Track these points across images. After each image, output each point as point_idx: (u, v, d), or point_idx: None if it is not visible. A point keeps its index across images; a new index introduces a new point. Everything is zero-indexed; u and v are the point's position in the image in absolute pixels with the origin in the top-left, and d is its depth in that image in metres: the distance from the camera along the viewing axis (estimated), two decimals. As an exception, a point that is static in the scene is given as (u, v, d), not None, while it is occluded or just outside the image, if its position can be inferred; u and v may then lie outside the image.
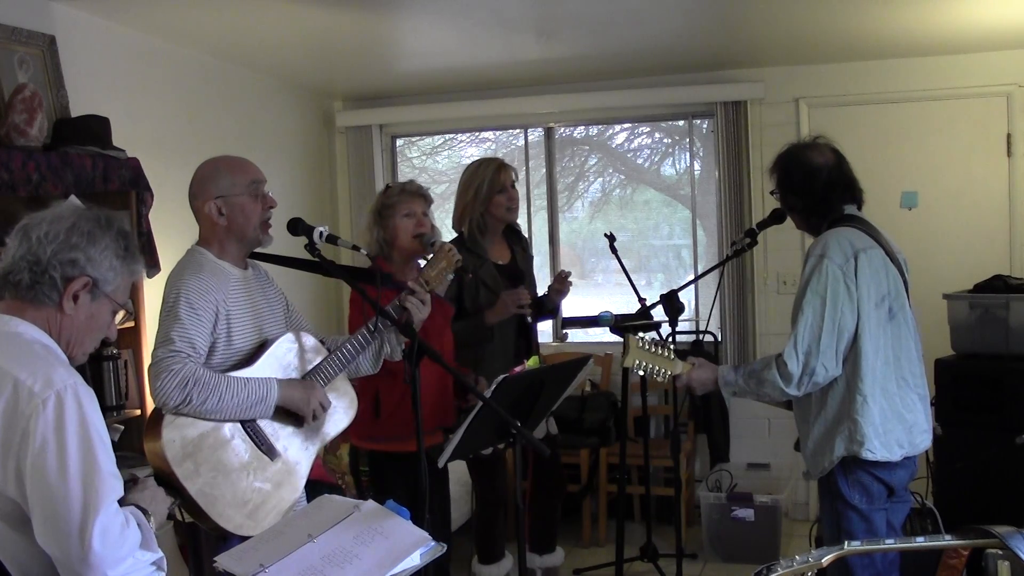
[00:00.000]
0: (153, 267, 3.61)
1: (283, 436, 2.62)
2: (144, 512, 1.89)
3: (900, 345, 2.83)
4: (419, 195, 3.37)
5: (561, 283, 3.92)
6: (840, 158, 2.94)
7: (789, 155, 2.98)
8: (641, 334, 2.84)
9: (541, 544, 4.01)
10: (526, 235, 5.51)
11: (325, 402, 2.65)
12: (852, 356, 2.76)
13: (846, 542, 2.09)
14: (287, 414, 2.61)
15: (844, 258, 2.76)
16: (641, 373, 2.91)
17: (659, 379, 2.92)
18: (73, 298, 1.83)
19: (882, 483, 2.80)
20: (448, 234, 3.76)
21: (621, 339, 3.93)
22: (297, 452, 2.64)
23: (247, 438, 2.53)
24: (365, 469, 3.43)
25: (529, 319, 3.84)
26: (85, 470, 1.68)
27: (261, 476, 2.53)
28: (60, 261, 1.81)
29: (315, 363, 2.71)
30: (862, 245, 2.80)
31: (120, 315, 1.96)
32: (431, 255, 2.97)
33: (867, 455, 2.73)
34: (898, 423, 2.78)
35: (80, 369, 1.86)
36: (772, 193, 3.03)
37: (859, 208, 2.96)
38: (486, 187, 3.74)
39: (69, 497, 1.66)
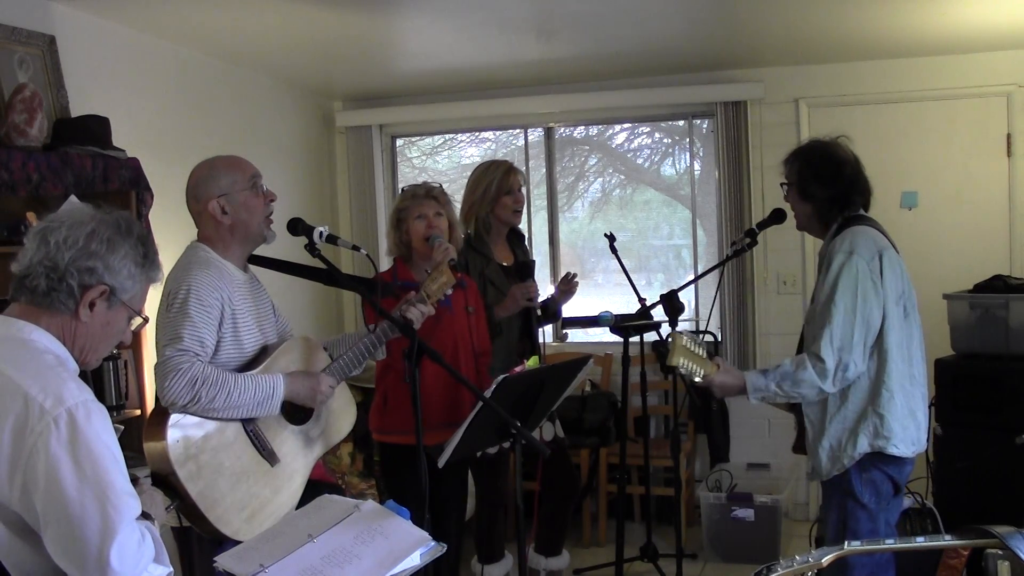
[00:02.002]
0: (153, 267, 3.62)
1: (284, 441, 2.61)
2: (148, 517, 1.88)
3: (912, 344, 2.88)
4: (428, 197, 3.42)
5: (568, 284, 3.93)
6: (858, 160, 2.98)
7: (814, 147, 2.99)
8: (683, 332, 2.79)
9: (548, 547, 4.01)
10: (526, 236, 5.52)
11: (329, 390, 2.65)
12: (878, 352, 2.80)
13: (846, 542, 2.09)
14: (287, 417, 2.61)
15: (870, 255, 2.79)
16: (682, 372, 2.83)
17: (697, 379, 2.84)
18: (90, 306, 1.80)
19: (891, 482, 2.83)
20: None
21: (621, 339, 3.98)
22: (297, 458, 2.64)
23: (249, 443, 2.52)
24: (379, 459, 3.47)
25: (539, 311, 3.86)
26: (101, 491, 1.66)
27: (261, 481, 2.52)
28: (78, 269, 1.77)
29: (319, 370, 2.71)
30: (883, 244, 2.85)
31: (137, 322, 1.93)
32: (431, 270, 2.98)
33: (892, 450, 2.78)
34: (911, 420, 2.84)
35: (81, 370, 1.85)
36: (784, 184, 3.02)
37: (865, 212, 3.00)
38: (495, 187, 3.78)
39: (86, 519, 1.64)
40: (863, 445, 2.79)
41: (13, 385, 1.68)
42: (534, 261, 4.06)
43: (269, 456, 2.56)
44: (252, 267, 2.83)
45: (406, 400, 3.19)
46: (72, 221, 1.81)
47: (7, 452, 1.66)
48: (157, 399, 2.48)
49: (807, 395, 2.80)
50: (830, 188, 2.91)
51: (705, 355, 2.86)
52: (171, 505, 2.32)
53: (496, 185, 3.78)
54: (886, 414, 2.78)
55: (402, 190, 3.55)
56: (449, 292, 3.01)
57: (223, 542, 2.39)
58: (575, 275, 3.97)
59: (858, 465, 2.80)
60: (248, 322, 2.60)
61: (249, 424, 2.53)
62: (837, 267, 2.78)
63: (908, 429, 2.81)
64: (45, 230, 1.81)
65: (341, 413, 2.79)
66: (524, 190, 3.89)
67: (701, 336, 3.24)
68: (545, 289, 4.18)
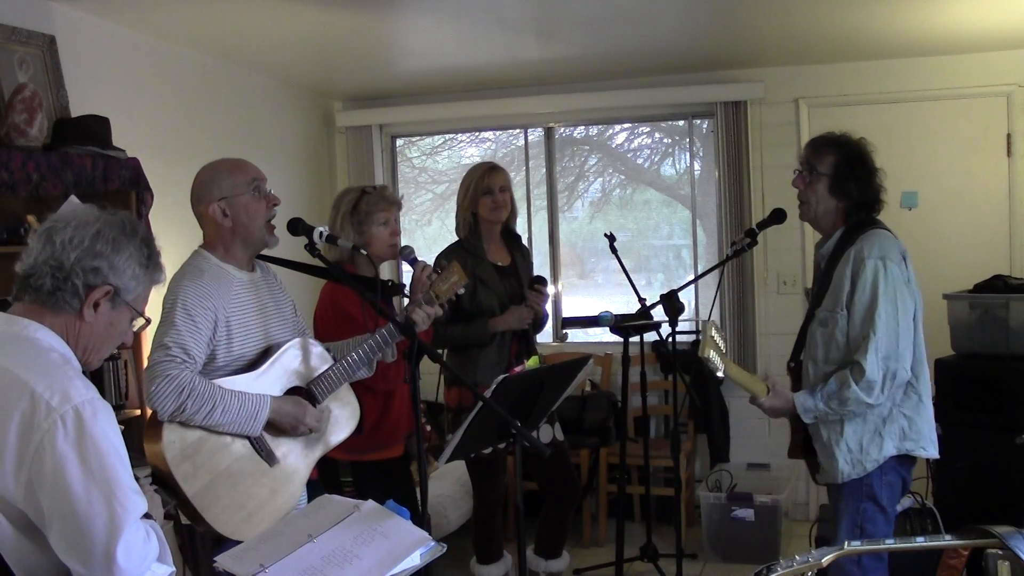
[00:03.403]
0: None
1: (283, 442, 2.61)
2: (149, 517, 1.88)
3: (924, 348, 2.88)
4: (395, 203, 3.39)
5: (536, 293, 3.83)
6: None
7: (853, 144, 2.93)
8: (712, 323, 2.77)
9: (548, 549, 4.01)
10: (526, 236, 5.52)
11: (313, 424, 2.63)
12: (914, 355, 2.81)
13: (846, 542, 2.09)
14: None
15: (900, 260, 2.79)
16: (710, 365, 2.75)
17: (718, 374, 2.77)
18: (94, 306, 1.80)
19: (903, 482, 2.85)
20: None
21: (621, 339, 3.97)
22: (296, 459, 2.63)
23: (247, 443, 2.52)
24: (348, 479, 3.43)
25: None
26: (107, 488, 1.67)
27: (259, 481, 2.52)
28: (83, 268, 1.78)
29: (320, 371, 2.70)
30: (904, 249, 2.85)
31: (139, 322, 1.93)
32: (442, 269, 2.95)
33: (920, 452, 2.81)
34: (933, 422, 2.88)
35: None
36: (810, 171, 2.90)
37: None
38: (472, 189, 3.80)
39: (92, 516, 1.65)
40: (889, 448, 2.78)
41: (19, 382, 1.68)
42: (531, 267, 4.04)
43: (267, 457, 2.55)
44: (272, 266, 2.83)
45: (380, 419, 3.24)
46: (78, 221, 1.82)
47: (13, 449, 1.66)
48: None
49: (856, 411, 2.77)
50: (866, 191, 2.87)
51: (724, 351, 2.80)
52: (170, 504, 2.32)
53: (474, 186, 3.80)
54: (915, 416, 2.79)
55: (363, 191, 3.41)
56: (461, 291, 2.98)
57: (223, 541, 2.39)
58: (542, 280, 3.86)
59: (880, 468, 2.78)
60: (247, 324, 2.59)
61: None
62: (871, 274, 2.74)
63: (934, 431, 2.87)
64: (51, 230, 1.81)
65: (343, 415, 2.78)
66: (509, 191, 3.85)
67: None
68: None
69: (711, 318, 2.81)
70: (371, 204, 3.33)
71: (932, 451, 2.86)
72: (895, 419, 2.79)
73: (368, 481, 3.37)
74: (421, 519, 2.20)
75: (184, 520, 2.43)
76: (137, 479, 1.81)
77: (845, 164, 2.87)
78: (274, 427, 2.58)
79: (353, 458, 3.36)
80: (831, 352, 2.84)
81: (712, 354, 2.75)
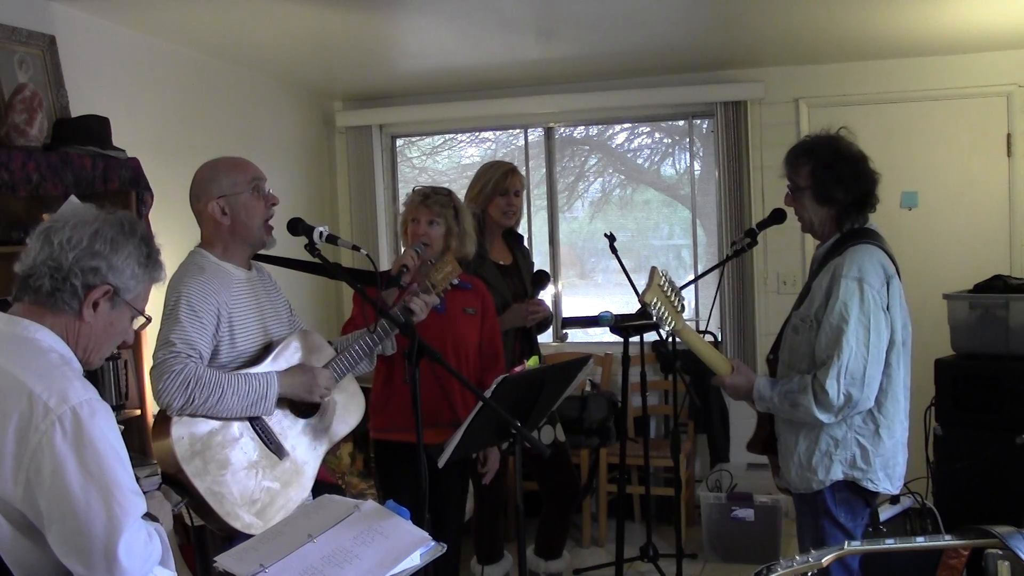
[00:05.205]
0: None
1: (291, 435, 2.62)
2: (154, 519, 1.88)
3: (907, 377, 2.74)
4: (420, 205, 3.37)
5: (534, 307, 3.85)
6: (865, 155, 2.80)
7: (825, 145, 2.76)
8: (664, 272, 2.64)
9: (548, 550, 4.01)
10: (526, 236, 5.52)
11: (328, 383, 2.64)
12: (881, 384, 2.67)
13: (846, 542, 2.09)
14: (294, 409, 2.61)
15: (880, 283, 2.63)
16: (652, 313, 2.65)
17: (664, 327, 2.68)
18: (93, 306, 1.80)
19: (865, 501, 2.76)
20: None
21: (621, 339, 3.98)
22: (305, 451, 2.64)
23: (256, 436, 2.53)
24: (374, 456, 3.47)
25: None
26: (106, 489, 1.67)
27: (270, 475, 2.53)
28: (82, 269, 1.78)
29: (323, 364, 2.71)
30: (891, 271, 2.69)
31: (139, 321, 1.93)
32: (436, 260, 2.98)
33: (869, 485, 2.67)
34: (902, 455, 2.74)
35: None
36: (792, 188, 2.80)
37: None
38: (491, 187, 3.79)
39: (91, 516, 1.65)
40: (836, 472, 2.67)
41: (18, 383, 1.68)
42: (532, 267, 4.04)
43: (277, 450, 2.56)
44: (265, 265, 2.84)
45: (394, 398, 3.24)
46: (76, 221, 1.82)
47: (11, 450, 1.66)
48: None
49: (803, 418, 2.68)
50: (853, 190, 2.70)
51: (679, 308, 2.69)
52: (181, 502, 2.32)
53: (492, 184, 3.79)
54: (870, 447, 2.65)
55: (413, 191, 3.48)
56: (455, 282, 3.00)
57: (234, 538, 2.39)
58: (535, 303, 3.86)
59: (832, 486, 2.70)
60: (248, 321, 2.60)
61: (255, 419, 2.53)
62: (844, 294, 2.60)
63: (897, 465, 2.72)
64: (49, 230, 1.81)
65: (348, 406, 2.79)
66: (522, 195, 3.85)
67: (681, 288, 2.84)
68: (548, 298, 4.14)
69: (665, 273, 2.64)
70: (406, 203, 3.43)
71: (885, 485, 2.68)
72: (848, 445, 2.67)
73: (389, 463, 3.38)
74: (421, 521, 2.19)
75: (196, 521, 2.43)
76: (137, 479, 1.81)
77: (822, 169, 2.71)
78: (292, 405, 2.58)
79: (376, 436, 3.40)
80: (795, 361, 2.75)
81: (657, 303, 2.60)
